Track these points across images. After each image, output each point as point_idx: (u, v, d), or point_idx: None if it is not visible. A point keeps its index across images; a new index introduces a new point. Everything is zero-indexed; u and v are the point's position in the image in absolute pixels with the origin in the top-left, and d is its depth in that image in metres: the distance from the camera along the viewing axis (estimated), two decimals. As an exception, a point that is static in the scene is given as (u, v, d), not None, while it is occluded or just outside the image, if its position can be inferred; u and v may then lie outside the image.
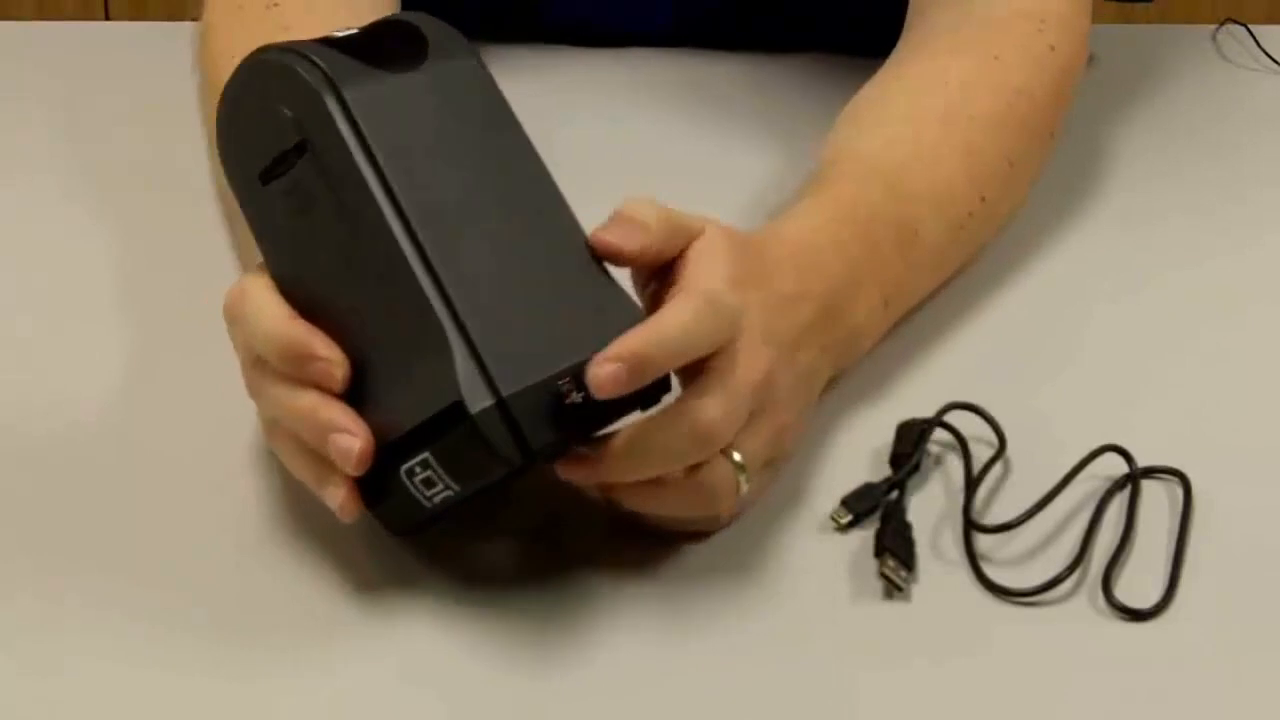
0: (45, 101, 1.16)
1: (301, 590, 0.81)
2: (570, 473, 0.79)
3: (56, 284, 1.00)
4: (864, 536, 0.84)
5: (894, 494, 0.85)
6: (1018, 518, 0.83)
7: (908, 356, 0.94)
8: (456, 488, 0.77)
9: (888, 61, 1.03)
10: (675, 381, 0.80)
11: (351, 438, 0.77)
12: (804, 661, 0.78)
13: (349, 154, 0.77)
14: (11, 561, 0.82)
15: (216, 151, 0.82)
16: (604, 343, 0.77)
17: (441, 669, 0.78)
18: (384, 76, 0.79)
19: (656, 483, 0.79)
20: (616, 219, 0.81)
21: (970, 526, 0.83)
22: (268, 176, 0.79)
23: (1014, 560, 0.83)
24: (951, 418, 0.88)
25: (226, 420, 0.88)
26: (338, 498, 0.78)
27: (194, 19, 1.08)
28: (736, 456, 0.80)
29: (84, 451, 0.88)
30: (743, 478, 0.80)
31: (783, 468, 0.85)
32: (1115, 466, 0.86)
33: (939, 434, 0.88)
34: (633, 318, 0.79)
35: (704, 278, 0.81)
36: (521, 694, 0.77)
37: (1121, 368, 0.95)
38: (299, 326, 0.78)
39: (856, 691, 0.77)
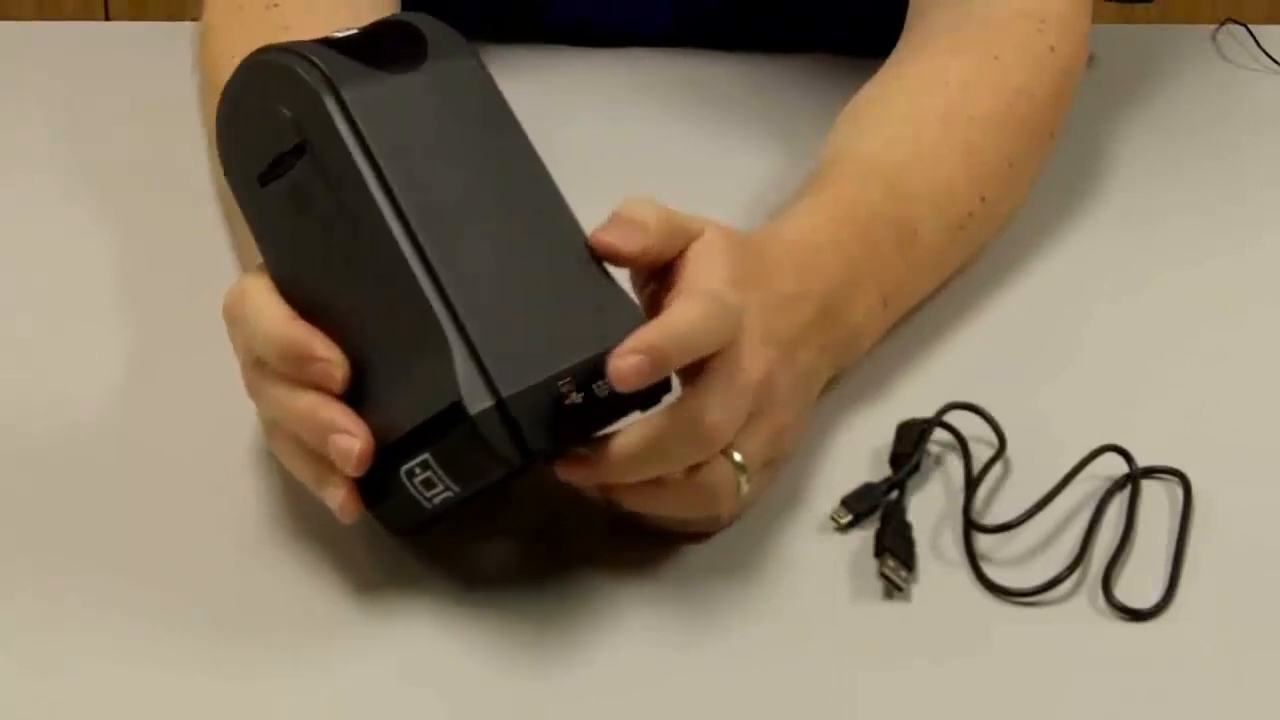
0: (45, 101, 1.16)
1: (301, 590, 0.81)
2: (570, 473, 0.79)
3: (56, 284, 1.00)
4: (864, 536, 0.84)
5: (894, 494, 0.85)
6: (1018, 518, 0.83)
7: (908, 356, 0.94)
8: (456, 489, 0.77)
9: (888, 61, 1.03)
10: (675, 382, 0.80)
11: (351, 438, 0.77)
12: (804, 661, 0.78)
13: (348, 155, 0.77)
14: (11, 561, 0.82)
15: (216, 152, 0.82)
16: (604, 343, 0.77)
17: (441, 669, 0.78)
18: (383, 77, 0.79)
19: (657, 483, 0.79)
20: (616, 219, 0.81)
21: (970, 526, 0.83)
22: (267, 177, 0.79)
23: (1014, 560, 0.83)
24: (951, 418, 0.88)
25: (226, 420, 0.88)
26: (337, 498, 0.78)
27: (194, 19, 1.08)
28: (737, 457, 0.80)
29: (84, 451, 0.88)
30: (743, 478, 0.80)
31: (783, 468, 0.85)
32: (1115, 466, 0.86)
33: (939, 434, 0.88)
34: (633, 318, 0.79)
35: (704, 278, 0.81)
36: (521, 694, 0.77)
37: (1121, 368, 0.95)
38: (299, 327, 0.78)
39: (856, 691, 0.77)
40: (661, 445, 0.78)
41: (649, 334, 0.76)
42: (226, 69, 0.81)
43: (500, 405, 0.75)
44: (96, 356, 0.94)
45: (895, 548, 0.82)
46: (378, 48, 0.80)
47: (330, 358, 0.77)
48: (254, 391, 0.81)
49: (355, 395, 0.78)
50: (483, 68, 0.83)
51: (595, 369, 0.77)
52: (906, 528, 0.83)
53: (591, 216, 0.82)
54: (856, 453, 0.88)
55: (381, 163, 0.77)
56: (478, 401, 0.75)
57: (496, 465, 0.75)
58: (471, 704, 0.76)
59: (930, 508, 0.85)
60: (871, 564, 0.82)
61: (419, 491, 0.77)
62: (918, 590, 0.81)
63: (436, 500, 0.77)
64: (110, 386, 0.92)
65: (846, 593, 0.81)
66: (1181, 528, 0.84)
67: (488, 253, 0.78)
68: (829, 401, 0.90)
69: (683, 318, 0.78)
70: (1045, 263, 1.02)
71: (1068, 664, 0.78)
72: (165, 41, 1.20)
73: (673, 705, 0.76)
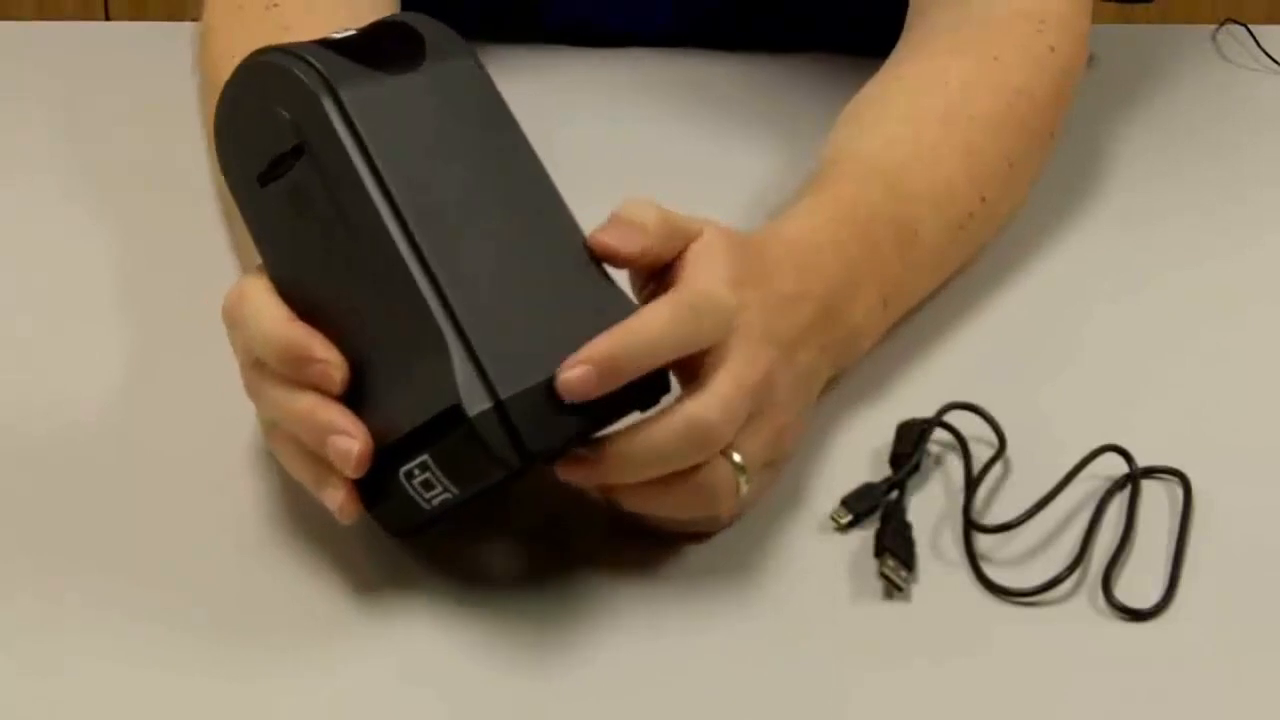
0: (45, 101, 1.16)
1: (301, 590, 0.81)
2: (569, 474, 0.79)
3: (56, 284, 1.00)
4: (864, 536, 0.84)
5: (894, 494, 0.85)
6: (1018, 518, 0.83)
7: (908, 356, 0.94)
8: (455, 490, 0.76)
9: (887, 61, 1.03)
10: (675, 383, 0.80)
11: (350, 440, 0.77)
12: (804, 661, 0.78)
13: (346, 156, 0.77)
14: (11, 561, 0.82)
15: (215, 152, 0.82)
16: None
17: (441, 669, 0.78)
18: (381, 78, 0.79)
19: (657, 483, 0.79)
20: (615, 221, 0.81)
21: (970, 526, 0.83)
22: (266, 178, 0.79)
23: (1014, 560, 0.83)
24: (951, 418, 0.88)
25: (226, 420, 0.88)
26: (336, 499, 0.78)
27: (194, 19, 1.08)
28: (736, 457, 0.80)
29: (84, 451, 0.88)
30: (743, 479, 0.80)
31: (783, 468, 0.85)
32: (1115, 466, 0.86)
33: (939, 434, 0.88)
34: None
35: (703, 279, 0.81)
36: (521, 694, 0.77)
37: (1121, 368, 0.95)
38: (298, 328, 0.78)
39: (856, 691, 0.77)
40: (660, 446, 0.78)
41: (602, 343, 0.76)
42: (226, 69, 0.81)
43: (499, 407, 0.75)
44: (96, 356, 0.94)
45: (895, 548, 0.82)
46: (376, 49, 0.80)
47: (329, 359, 0.77)
48: (253, 392, 0.81)
49: (354, 396, 0.78)
50: (481, 68, 0.83)
51: None
52: (906, 528, 0.83)
53: (591, 216, 0.82)
54: (856, 453, 0.88)
55: (380, 164, 0.77)
56: (476, 403, 0.75)
57: (495, 467, 0.75)
58: (471, 704, 0.76)
59: (930, 508, 0.85)
60: (871, 564, 0.82)
61: (418, 493, 0.77)
62: (918, 590, 0.81)
63: (435, 501, 0.77)
64: (110, 386, 0.92)
65: (846, 593, 0.81)
66: (1181, 528, 0.84)
67: (486, 254, 0.78)
68: (829, 401, 0.90)
69: (647, 323, 0.78)
70: (1045, 263, 1.02)
71: (1068, 664, 0.78)
72: (165, 41, 1.20)
73: (673, 705, 0.76)
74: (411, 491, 0.77)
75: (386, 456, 0.77)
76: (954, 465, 0.88)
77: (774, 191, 1.04)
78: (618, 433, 0.78)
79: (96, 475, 0.87)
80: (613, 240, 0.80)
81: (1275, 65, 1.20)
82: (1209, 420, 0.91)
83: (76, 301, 0.99)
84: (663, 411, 0.78)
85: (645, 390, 0.78)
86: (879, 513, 0.84)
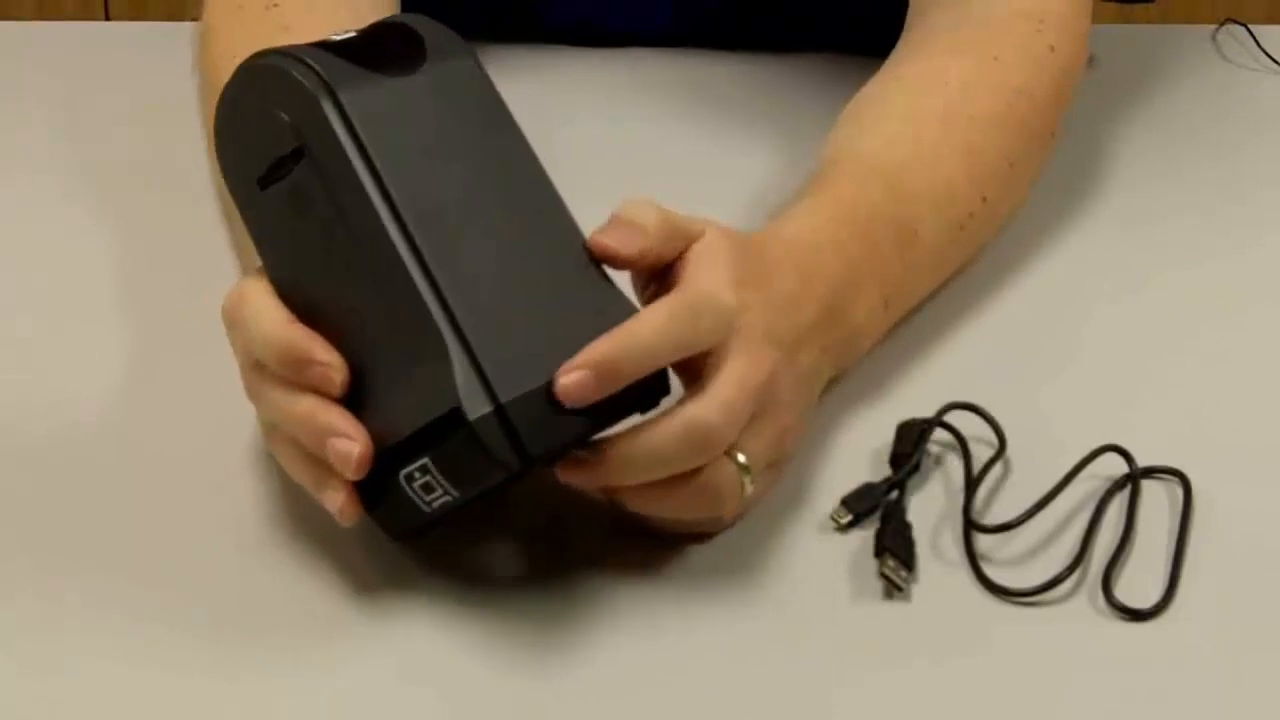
0: (45, 101, 1.16)
1: (301, 590, 0.81)
2: (570, 476, 0.79)
3: (56, 284, 1.00)
4: (864, 536, 0.84)
5: (894, 494, 0.85)
6: (1018, 518, 0.83)
7: (908, 356, 0.94)
8: (455, 493, 0.76)
9: (887, 61, 1.03)
10: (676, 383, 0.80)
11: (350, 442, 0.77)
12: (804, 661, 0.78)
13: (346, 159, 0.77)
14: (11, 561, 0.82)
15: (215, 155, 0.82)
16: None
17: (441, 669, 0.78)
18: (381, 80, 0.79)
19: (660, 485, 0.79)
20: (615, 222, 0.81)
21: (970, 526, 0.83)
22: (266, 181, 0.79)
23: (1014, 560, 0.83)
24: (951, 418, 0.88)
25: (226, 421, 0.88)
26: (337, 502, 0.78)
27: (194, 19, 1.08)
28: (740, 458, 0.80)
29: (84, 451, 0.88)
30: (747, 479, 0.80)
31: (785, 468, 0.85)
32: (1115, 466, 0.86)
33: (939, 434, 0.88)
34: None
35: (704, 280, 0.81)
36: (521, 694, 0.77)
37: (1121, 368, 0.95)
38: (298, 331, 0.78)
39: (857, 691, 0.77)
40: (661, 447, 0.78)
41: (600, 347, 0.76)
42: (226, 70, 0.81)
43: (499, 411, 0.75)
44: (96, 356, 0.94)
45: (895, 548, 0.82)
46: (375, 50, 0.80)
47: (329, 361, 0.77)
48: (253, 394, 0.81)
49: (354, 399, 0.78)
50: (481, 69, 0.83)
51: None
52: (906, 528, 0.83)
53: (591, 217, 0.82)
54: (856, 453, 0.88)
55: (379, 167, 0.77)
56: (477, 407, 0.75)
57: (496, 470, 0.75)
58: (471, 704, 0.76)
59: (930, 508, 0.85)
60: (871, 564, 0.82)
61: (418, 495, 0.77)
62: (918, 590, 0.81)
63: (435, 504, 0.77)
64: (110, 386, 0.92)
65: (846, 593, 0.81)
66: (1181, 528, 0.84)
67: (486, 256, 0.78)
68: (829, 401, 0.90)
69: (646, 325, 0.78)
70: (1045, 263, 1.02)
71: (1068, 664, 0.78)
72: (165, 41, 1.20)
73: (672, 705, 0.76)
74: (411, 494, 0.77)
75: (386, 459, 0.77)
76: (954, 465, 0.88)
77: (774, 191, 1.04)
78: (619, 435, 0.78)
79: (96, 475, 0.87)
80: (612, 242, 0.80)
81: (1275, 65, 1.20)
82: (1209, 420, 0.91)
83: (76, 301, 0.99)
84: (664, 413, 0.78)
85: (645, 392, 0.78)
86: (879, 513, 0.84)
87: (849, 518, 0.84)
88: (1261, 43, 1.22)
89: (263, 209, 0.80)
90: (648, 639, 0.79)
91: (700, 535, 0.83)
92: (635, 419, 0.79)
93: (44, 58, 1.21)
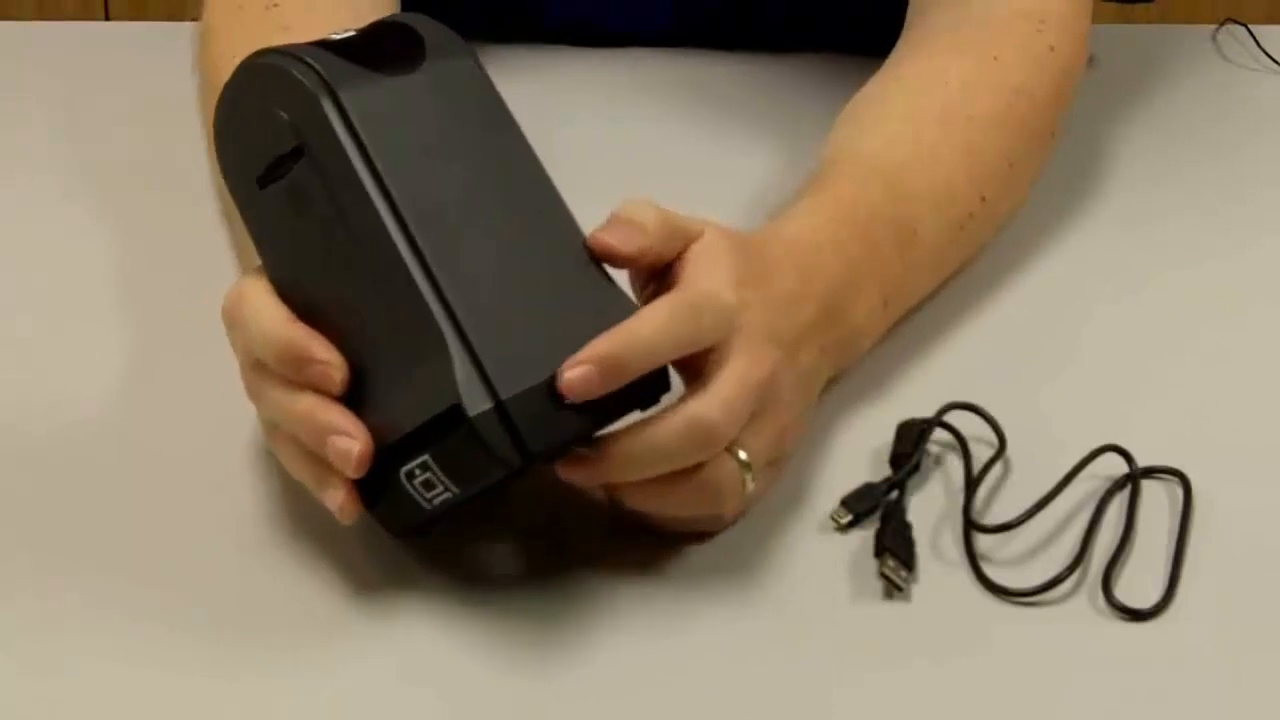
0: (45, 101, 1.16)
1: (301, 590, 0.81)
2: (571, 473, 0.79)
3: (56, 284, 1.00)
4: (864, 536, 0.84)
5: (894, 494, 0.85)
6: (1018, 518, 0.83)
7: (908, 356, 0.94)
8: (456, 490, 0.77)
9: (887, 61, 1.03)
10: (676, 380, 0.80)
11: (350, 440, 0.77)
12: (804, 661, 0.78)
13: (346, 158, 0.77)
14: (11, 561, 0.82)
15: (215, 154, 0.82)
16: None
17: (441, 669, 0.78)
18: (380, 79, 0.79)
19: (661, 482, 0.79)
20: (614, 221, 0.81)
21: (970, 526, 0.83)
22: (265, 180, 0.79)
23: (1014, 560, 0.83)
24: (951, 418, 0.88)
25: (226, 420, 0.88)
26: (337, 500, 0.78)
27: (194, 19, 1.08)
28: (742, 455, 0.80)
29: (84, 451, 0.88)
30: (748, 476, 0.80)
31: (784, 467, 0.85)
32: (1115, 466, 0.86)
33: (939, 434, 0.88)
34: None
35: (704, 279, 0.81)
36: (521, 694, 0.77)
37: (1121, 368, 0.95)
38: (297, 329, 0.78)
39: (857, 691, 0.77)
40: (661, 445, 0.78)
41: (603, 343, 0.77)
42: (226, 70, 0.81)
43: (499, 407, 0.75)
44: (96, 356, 0.94)
45: (895, 548, 0.82)
46: (375, 50, 0.80)
47: (329, 359, 0.77)
48: (253, 394, 0.81)
49: (354, 397, 0.78)
50: (480, 68, 0.83)
51: None
52: (906, 528, 0.83)
53: (591, 217, 0.82)
54: (856, 453, 0.88)
55: (379, 165, 0.77)
56: (477, 404, 0.75)
57: (496, 467, 0.75)
58: (471, 704, 0.76)
59: (930, 508, 0.85)
60: (871, 564, 0.82)
61: (418, 493, 0.77)
62: (918, 590, 0.81)
63: (436, 501, 0.77)
64: (110, 386, 0.92)
65: (846, 593, 0.81)
66: (1181, 528, 0.84)
67: (486, 254, 0.78)
68: (829, 401, 0.90)
69: (648, 322, 0.78)
70: (1045, 263, 1.02)
71: (1068, 664, 0.78)
72: (165, 41, 1.20)
73: (672, 705, 0.76)
74: (412, 491, 0.77)
75: (387, 457, 0.77)
76: (954, 465, 0.88)
77: (774, 191, 1.04)
78: (620, 432, 0.78)
79: (97, 475, 0.87)
80: (613, 240, 0.80)
81: (1275, 65, 1.20)
82: (1209, 420, 0.91)
83: (76, 301, 0.99)
84: (665, 410, 0.78)
85: (646, 389, 0.78)
86: (879, 513, 0.84)
87: (849, 518, 0.84)
88: (1261, 43, 1.22)
89: (262, 208, 0.80)
90: (648, 639, 0.79)
91: (700, 534, 0.83)
92: (635, 416, 0.79)
93: (44, 58, 1.21)
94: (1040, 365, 0.95)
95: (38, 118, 1.14)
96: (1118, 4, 1.34)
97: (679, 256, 0.82)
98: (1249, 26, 1.23)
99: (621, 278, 0.82)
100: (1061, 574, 0.81)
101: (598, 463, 0.78)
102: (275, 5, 1.00)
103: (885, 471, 0.87)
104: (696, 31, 1.20)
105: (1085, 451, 0.86)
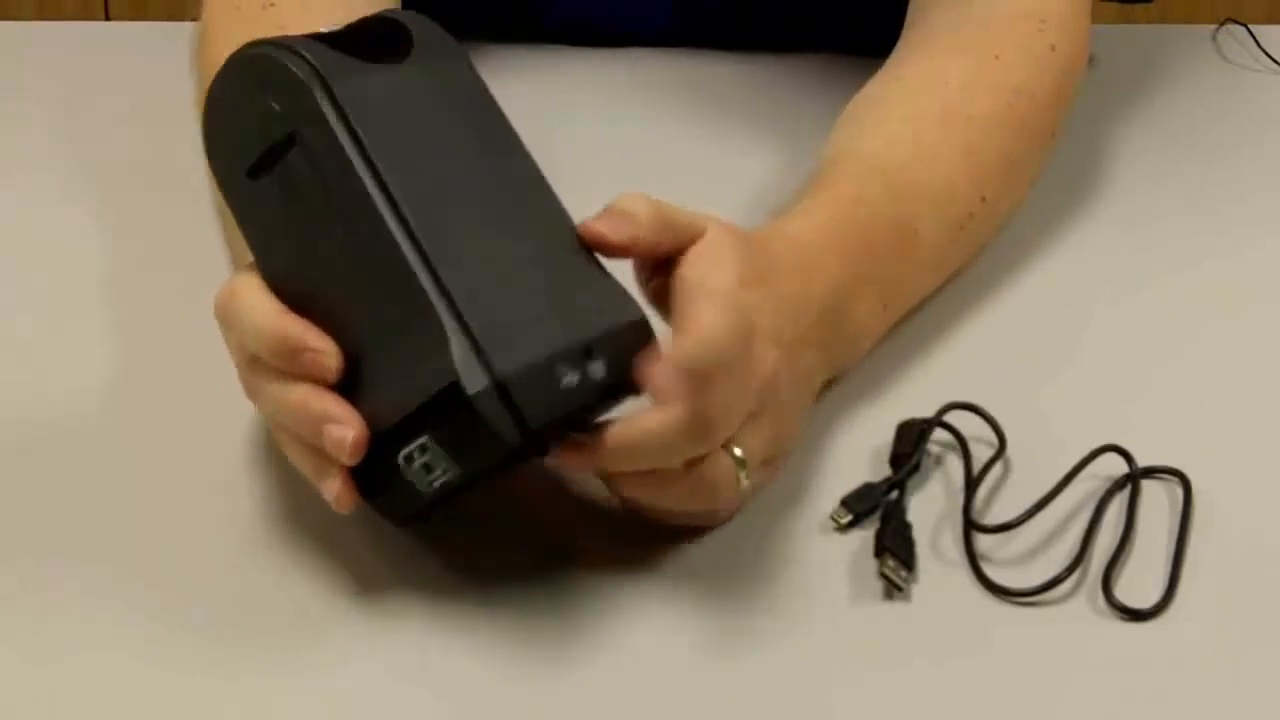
0: (45, 101, 1.16)
1: (301, 590, 0.81)
2: (568, 459, 0.79)
3: (56, 284, 1.00)
4: (864, 536, 0.84)
5: (894, 494, 0.85)
6: (1018, 518, 0.83)
7: (908, 356, 0.94)
8: (457, 470, 0.76)
9: (888, 61, 1.03)
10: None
11: (344, 428, 0.76)
12: (804, 661, 0.78)
13: (338, 143, 0.77)
14: (11, 561, 0.82)
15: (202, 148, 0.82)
16: (598, 327, 0.77)
17: (441, 669, 0.78)
18: (370, 69, 0.79)
19: (656, 474, 0.79)
20: (607, 211, 0.81)
21: (970, 526, 0.83)
22: (256, 170, 0.79)
23: (1014, 560, 0.83)
24: (951, 418, 0.88)
25: (226, 420, 0.88)
26: (333, 490, 0.78)
27: (194, 19, 1.08)
28: (737, 451, 0.80)
29: (84, 451, 0.88)
30: (743, 473, 0.80)
31: (780, 466, 0.85)
32: (1115, 466, 0.86)
33: (939, 434, 0.88)
34: (624, 305, 0.79)
35: (713, 277, 0.81)
36: (521, 694, 0.77)
37: (1121, 368, 0.95)
38: (290, 319, 0.78)
39: (856, 691, 0.77)
40: (659, 438, 0.78)
41: (687, 348, 0.77)
42: (223, 69, 0.81)
43: (498, 384, 0.75)
44: (96, 356, 0.94)
45: (895, 548, 0.82)
46: (364, 42, 0.80)
47: (322, 348, 0.77)
48: (251, 392, 0.81)
49: (351, 385, 0.78)
50: (470, 66, 0.83)
51: (590, 351, 0.77)
52: (906, 528, 0.83)
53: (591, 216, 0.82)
54: (856, 453, 0.88)
55: (372, 151, 0.77)
56: (475, 382, 0.75)
57: (496, 445, 0.75)
58: (472, 704, 0.76)
59: (930, 508, 0.85)
60: (871, 564, 0.82)
61: (418, 476, 0.77)
62: (918, 590, 0.81)
63: (436, 484, 0.77)
64: (110, 386, 0.92)
65: (846, 593, 0.81)
66: (1181, 528, 0.84)
67: (480, 237, 0.78)
68: (829, 401, 0.90)
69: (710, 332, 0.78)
70: (1045, 263, 1.02)
71: (1068, 664, 0.78)
72: (165, 41, 1.20)
73: (672, 705, 0.76)
74: (411, 475, 0.77)
75: (386, 441, 0.77)
76: (954, 465, 0.88)
77: (774, 191, 1.04)
78: (618, 422, 0.78)
79: (96, 475, 0.87)
80: (603, 228, 0.81)
81: (1275, 65, 1.20)
82: (1209, 420, 0.91)
83: (76, 301, 0.99)
84: (663, 405, 0.78)
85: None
86: (879, 513, 0.84)
87: (849, 518, 0.84)
88: (1261, 43, 1.22)
89: (253, 199, 0.80)
90: (648, 639, 0.79)
91: (693, 530, 0.83)
92: (636, 403, 0.79)
93: (44, 58, 1.21)
94: (1040, 365, 0.95)
95: (38, 118, 1.14)
96: (1118, 4, 1.34)
97: (684, 251, 0.82)
98: (1249, 26, 1.23)
99: (623, 273, 0.82)
100: (1061, 574, 0.81)
101: (594, 450, 0.78)
102: (272, 5, 1.00)
103: (885, 471, 0.87)
104: (696, 31, 1.21)
105: (1085, 451, 0.86)
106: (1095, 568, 0.82)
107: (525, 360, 0.75)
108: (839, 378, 0.91)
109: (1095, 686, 0.77)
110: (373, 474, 0.78)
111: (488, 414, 0.75)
